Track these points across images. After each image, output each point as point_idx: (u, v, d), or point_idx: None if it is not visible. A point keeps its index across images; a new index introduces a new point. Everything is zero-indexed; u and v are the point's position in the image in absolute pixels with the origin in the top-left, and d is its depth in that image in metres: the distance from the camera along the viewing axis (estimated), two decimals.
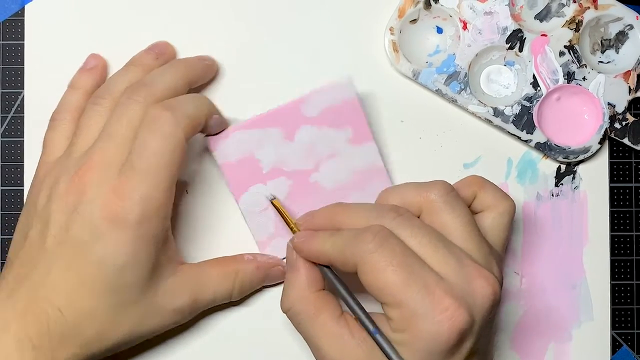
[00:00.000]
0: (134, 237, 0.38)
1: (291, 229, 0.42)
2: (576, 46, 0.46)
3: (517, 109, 0.46)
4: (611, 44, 0.47)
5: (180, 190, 0.46)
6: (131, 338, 0.40)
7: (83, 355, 0.39)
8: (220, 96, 0.46)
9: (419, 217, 0.38)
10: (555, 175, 0.47)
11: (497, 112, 0.46)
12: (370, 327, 0.37)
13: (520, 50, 0.46)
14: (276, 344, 0.46)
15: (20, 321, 0.37)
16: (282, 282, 0.44)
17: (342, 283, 0.40)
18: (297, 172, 0.45)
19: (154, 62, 0.44)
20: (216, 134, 0.43)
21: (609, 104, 0.46)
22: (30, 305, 0.38)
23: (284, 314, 0.40)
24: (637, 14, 0.46)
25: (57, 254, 0.38)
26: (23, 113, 0.46)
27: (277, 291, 0.46)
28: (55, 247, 0.38)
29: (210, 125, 0.42)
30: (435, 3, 0.46)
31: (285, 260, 0.42)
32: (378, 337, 0.36)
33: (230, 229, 0.46)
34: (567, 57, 0.46)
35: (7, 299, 0.38)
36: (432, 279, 0.35)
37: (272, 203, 0.44)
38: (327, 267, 0.40)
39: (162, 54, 0.45)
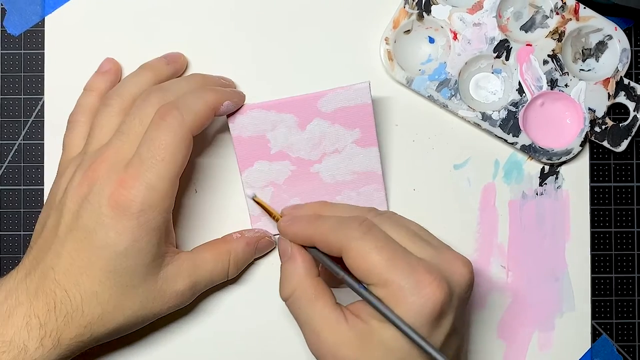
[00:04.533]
0: (135, 225, 0.39)
1: (276, 219, 0.44)
2: (559, 55, 0.47)
3: (503, 114, 0.47)
4: (591, 53, 0.48)
5: (190, 189, 0.47)
6: (134, 321, 0.41)
7: (87, 335, 0.40)
8: None
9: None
10: (539, 175, 0.48)
11: (485, 117, 0.47)
12: (364, 292, 0.38)
13: (507, 59, 0.47)
14: (273, 322, 0.48)
15: (31, 301, 0.39)
16: (269, 252, 0.46)
17: (330, 259, 0.40)
18: (302, 160, 0.45)
19: (164, 67, 0.45)
20: (235, 110, 0.44)
21: (589, 109, 0.47)
22: (40, 286, 0.39)
23: (282, 301, 0.41)
24: (616, 25, 0.47)
25: (67, 240, 0.40)
26: (43, 117, 0.48)
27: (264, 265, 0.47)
28: (66, 233, 0.40)
29: (222, 112, 0.43)
30: (428, 15, 0.47)
31: (279, 253, 0.42)
32: (364, 292, 0.37)
33: (234, 227, 0.47)
34: (551, 65, 0.47)
35: (23, 281, 0.39)
36: (414, 260, 0.37)
37: (253, 200, 0.45)
38: (314, 247, 0.41)
39: (173, 61, 0.46)
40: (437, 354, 0.36)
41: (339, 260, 0.40)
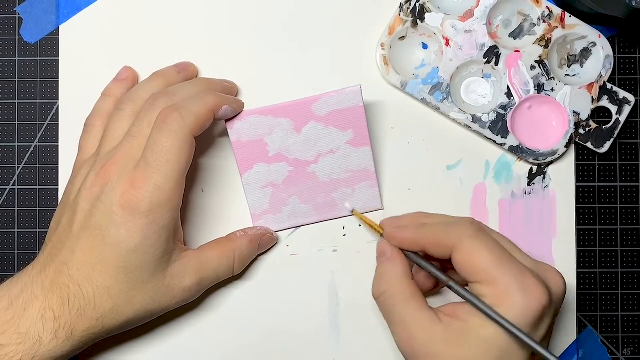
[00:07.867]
0: (145, 224, 0.40)
1: (377, 231, 0.45)
2: (545, 61, 0.48)
3: (493, 116, 0.48)
4: (576, 59, 0.49)
5: (197, 188, 0.48)
6: (143, 314, 0.42)
7: (99, 328, 0.41)
8: None
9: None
10: (527, 175, 0.49)
11: (475, 119, 0.48)
12: (467, 295, 0.39)
13: (496, 64, 0.48)
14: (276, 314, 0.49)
15: (46, 295, 0.40)
16: (271, 248, 0.47)
17: (430, 263, 0.42)
18: (298, 161, 0.47)
19: (176, 75, 0.47)
20: (234, 117, 0.45)
21: (574, 112, 0.48)
22: (55, 281, 0.40)
23: (373, 300, 0.42)
24: (600, 33, 0.48)
25: (81, 237, 0.41)
26: (58, 121, 0.49)
27: (269, 260, 0.49)
28: (79, 231, 0.41)
29: (221, 116, 0.43)
30: (422, 22, 0.48)
31: (377, 254, 0.43)
32: (467, 294, 0.39)
33: (238, 223, 0.48)
34: (538, 70, 0.48)
35: (38, 276, 0.41)
36: (520, 264, 0.39)
37: (353, 213, 0.47)
38: (414, 253, 0.42)
39: (184, 69, 0.47)
40: (542, 350, 0.37)
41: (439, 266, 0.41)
